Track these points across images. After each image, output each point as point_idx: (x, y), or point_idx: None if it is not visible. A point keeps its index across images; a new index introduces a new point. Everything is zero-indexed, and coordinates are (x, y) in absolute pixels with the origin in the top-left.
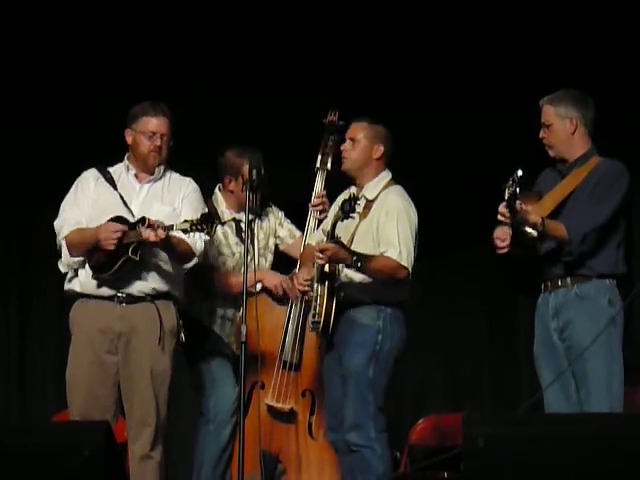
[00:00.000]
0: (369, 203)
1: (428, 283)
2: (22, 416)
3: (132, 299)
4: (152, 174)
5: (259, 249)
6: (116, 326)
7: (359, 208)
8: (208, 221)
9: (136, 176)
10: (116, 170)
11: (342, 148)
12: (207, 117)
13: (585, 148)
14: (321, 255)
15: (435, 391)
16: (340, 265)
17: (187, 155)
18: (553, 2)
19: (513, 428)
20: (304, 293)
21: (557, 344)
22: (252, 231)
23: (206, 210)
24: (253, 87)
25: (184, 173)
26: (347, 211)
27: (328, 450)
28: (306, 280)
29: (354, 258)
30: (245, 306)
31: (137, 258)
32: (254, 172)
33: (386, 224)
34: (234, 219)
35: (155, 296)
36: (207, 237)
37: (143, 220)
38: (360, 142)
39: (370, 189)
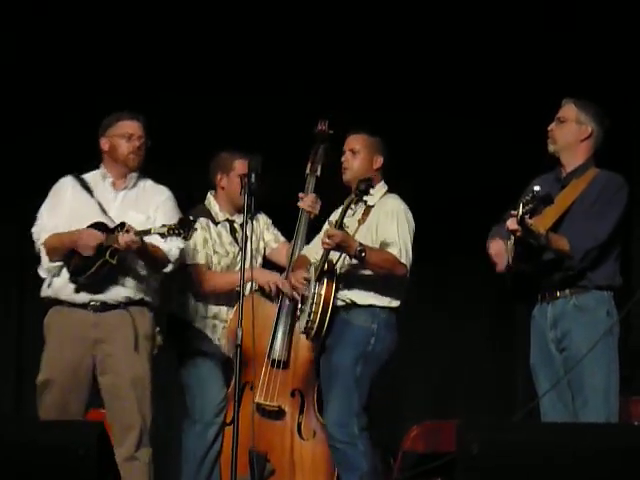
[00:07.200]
0: (368, 209)
1: (428, 289)
2: (17, 415)
3: (106, 307)
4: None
5: (251, 250)
6: (91, 333)
7: (360, 212)
8: (185, 226)
9: (113, 184)
10: (92, 178)
11: (343, 159)
12: (201, 122)
13: (584, 159)
14: (328, 240)
15: (429, 398)
16: (338, 266)
17: (180, 160)
18: (552, 14)
19: (508, 435)
20: (299, 293)
21: (554, 354)
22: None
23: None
24: (248, 92)
25: (176, 179)
26: (363, 190)
27: (320, 449)
28: (304, 279)
29: (359, 248)
30: (242, 309)
31: (114, 262)
32: (253, 175)
33: (386, 224)
34: (227, 219)
35: (128, 303)
36: (183, 244)
37: (122, 225)
38: (360, 153)
39: (370, 197)
